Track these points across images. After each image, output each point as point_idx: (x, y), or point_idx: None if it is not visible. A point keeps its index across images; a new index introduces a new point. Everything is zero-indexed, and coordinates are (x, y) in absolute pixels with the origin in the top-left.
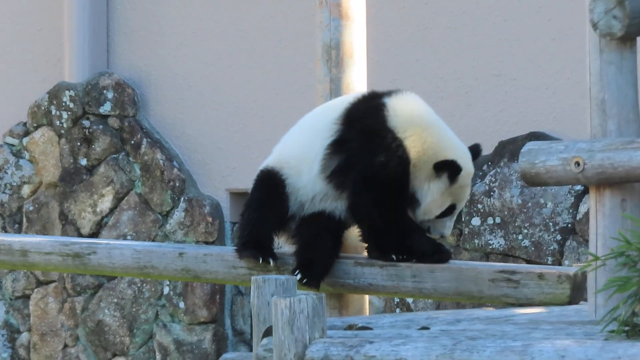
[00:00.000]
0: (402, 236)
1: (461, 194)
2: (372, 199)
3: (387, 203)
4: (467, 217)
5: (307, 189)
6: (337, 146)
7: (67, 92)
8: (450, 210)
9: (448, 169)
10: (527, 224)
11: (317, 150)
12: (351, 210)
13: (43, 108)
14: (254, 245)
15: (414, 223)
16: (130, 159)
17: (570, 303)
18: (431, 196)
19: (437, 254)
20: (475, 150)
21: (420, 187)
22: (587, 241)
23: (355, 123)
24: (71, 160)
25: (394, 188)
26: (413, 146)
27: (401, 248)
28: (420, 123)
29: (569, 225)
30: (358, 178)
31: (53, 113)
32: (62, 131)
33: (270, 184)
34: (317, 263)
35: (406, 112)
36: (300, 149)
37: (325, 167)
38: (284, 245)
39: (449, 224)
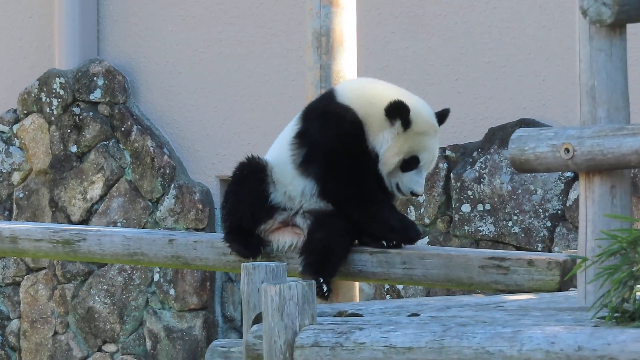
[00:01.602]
0: (368, 209)
1: (421, 143)
2: (336, 176)
3: (352, 177)
4: (457, 204)
5: (293, 185)
6: (300, 138)
7: (57, 79)
8: (413, 162)
9: (398, 112)
10: (517, 210)
11: (287, 149)
12: (322, 195)
13: (33, 95)
14: (241, 236)
15: (384, 198)
16: (121, 146)
17: (560, 290)
18: (386, 144)
19: (406, 230)
20: (442, 114)
21: (377, 139)
22: (577, 228)
23: (311, 113)
24: (61, 147)
25: (354, 157)
26: (360, 107)
27: (374, 226)
28: (367, 87)
29: (559, 211)
30: (319, 159)
31: (43, 100)
32: (52, 118)
33: (253, 171)
34: (330, 268)
35: (354, 86)
36: (277, 151)
37: (295, 160)
38: (266, 235)
39: (416, 178)
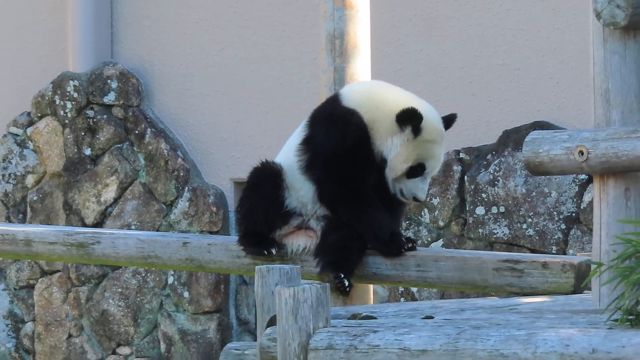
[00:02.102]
0: (359, 213)
1: (429, 150)
2: (333, 179)
3: (348, 180)
4: (472, 207)
5: (304, 190)
6: (306, 144)
7: (71, 81)
8: (419, 169)
9: (410, 119)
10: (532, 213)
11: (294, 154)
12: (320, 198)
13: (47, 98)
14: (254, 239)
15: (378, 204)
16: (135, 148)
17: (574, 292)
18: (395, 150)
19: (387, 242)
20: (449, 119)
21: (384, 144)
22: (591, 230)
23: (317, 117)
24: (75, 150)
25: (356, 160)
26: (366, 111)
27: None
28: (374, 91)
29: (573, 214)
30: (319, 162)
31: (57, 103)
32: (66, 121)
33: (268, 176)
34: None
35: (360, 89)
36: (286, 156)
37: (301, 166)
38: (280, 238)
39: (421, 185)
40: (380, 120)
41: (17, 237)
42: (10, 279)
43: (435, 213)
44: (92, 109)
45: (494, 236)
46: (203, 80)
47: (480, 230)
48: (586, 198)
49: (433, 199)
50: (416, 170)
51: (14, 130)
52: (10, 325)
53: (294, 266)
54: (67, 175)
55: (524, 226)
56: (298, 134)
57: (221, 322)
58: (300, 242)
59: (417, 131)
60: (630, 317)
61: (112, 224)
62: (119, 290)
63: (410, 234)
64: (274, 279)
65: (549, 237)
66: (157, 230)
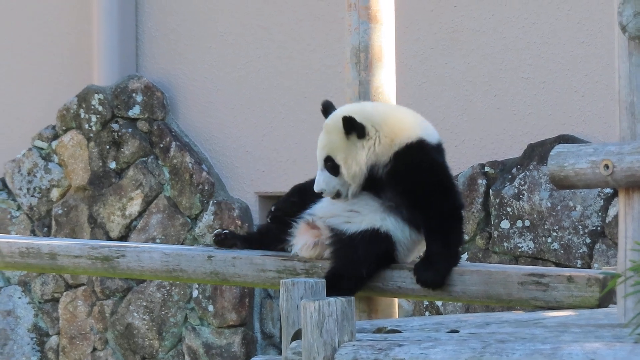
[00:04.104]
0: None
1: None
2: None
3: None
4: (496, 220)
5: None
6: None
7: (96, 95)
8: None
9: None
10: (557, 227)
11: None
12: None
13: (72, 111)
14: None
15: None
16: (159, 162)
17: (599, 306)
18: None
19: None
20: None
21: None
22: (616, 244)
23: None
24: (100, 164)
25: None
26: None
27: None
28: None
29: (598, 228)
30: None
31: (82, 116)
32: (91, 134)
33: None
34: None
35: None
36: None
37: None
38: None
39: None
40: None
41: (42, 251)
42: (35, 292)
43: None
44: (117, 122)
45: (519, 250)
46: (228, 94)
47: (505, 244)
48: (611, 212)
49: None
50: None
51: (38, 143)
52: (35, 339)
53: (319, 280)
54: (91, 188)
55: (549, 240)
56: None
57: (246, 336)
58: (307, 240)
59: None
60: None
61: (137, 237)
62: (144, 303)
63: None
64: (299, 292)
65: (574, 251)
66: (182, 244)
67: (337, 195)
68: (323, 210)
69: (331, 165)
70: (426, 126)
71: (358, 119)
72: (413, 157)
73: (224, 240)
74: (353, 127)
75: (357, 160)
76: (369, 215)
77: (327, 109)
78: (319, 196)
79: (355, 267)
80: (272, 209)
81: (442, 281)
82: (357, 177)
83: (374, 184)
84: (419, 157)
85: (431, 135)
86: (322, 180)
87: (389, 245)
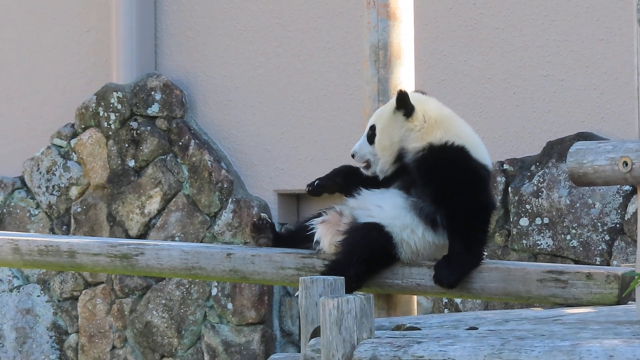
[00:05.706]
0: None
1: None
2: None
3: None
4: (516, 218)
5: None
6: None
7: (114, 93)
8: None
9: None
10: (575, 224)
11: None
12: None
13: (91, 109)
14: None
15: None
16: (178, 160)
17: (618, 303)
18: None
19: (447, 272)
20: None
21: None
22: (635, 241)
23: None
24: (119, 162)
25: None
26: None
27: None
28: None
29: (617, 225)
30: None
31: (101, 114)
32: (110, 132)
33: None
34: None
35: None
36: None
37: None
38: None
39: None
40: None
41: (61, 249)
42: (54, 290)
43: None
44: (135, 120)
45: (538, 247)
46: (247, 92)
47: (524, 242)
48: (630, 209)
49: None
50: None
51: (57, 142)
52: (54, 337)
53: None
54: (110, 186)
55: (568, 237)
56: None
57: (265, 334)
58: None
59: None
60: None
61: (156, 235)
62: (163, 301)
63: None
64: (318, 290)
65: (592, 248)
66: (201, 242)
67: (367, 165)
68: (356, 202)
69: (371, 133)
70: (480, 146)
71: (414, 103)
72: (447, 153)
73: (260, 227)
74: (404, 104)
75: (391, 135)
76: (388, 212)
77: (406, 95)
78: (362, 183)
79: (347, 259)
80: (315, 182)
81: (455, 282)
82: (386, 151)
83: (404, 172)
84: (453, 155)
85: (480, 154)
86: (359, 144)
87: (386, 243)
